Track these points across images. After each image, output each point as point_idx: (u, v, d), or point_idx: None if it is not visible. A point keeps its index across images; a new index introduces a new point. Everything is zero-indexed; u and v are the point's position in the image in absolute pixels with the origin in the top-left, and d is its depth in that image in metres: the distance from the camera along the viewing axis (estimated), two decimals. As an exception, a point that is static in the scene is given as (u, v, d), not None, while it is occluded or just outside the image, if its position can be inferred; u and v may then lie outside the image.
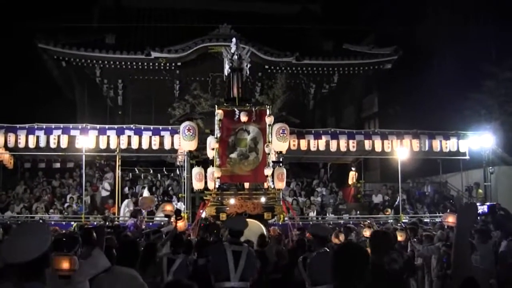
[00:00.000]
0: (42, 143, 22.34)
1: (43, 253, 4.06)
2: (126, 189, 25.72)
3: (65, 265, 5.85)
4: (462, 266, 4.17)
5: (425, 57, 30.98)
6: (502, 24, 28.98)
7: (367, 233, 17.71)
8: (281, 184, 19.40)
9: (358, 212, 25.33)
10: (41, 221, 17.26)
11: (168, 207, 16.98)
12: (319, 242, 9.99)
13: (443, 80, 28.57)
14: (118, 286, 5.58)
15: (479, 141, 24.61)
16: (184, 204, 22.53)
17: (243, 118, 18.83)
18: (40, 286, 4.06)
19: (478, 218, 12.42)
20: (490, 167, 25.37)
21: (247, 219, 17.44)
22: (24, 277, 4.01)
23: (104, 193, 25.27)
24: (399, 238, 14.37)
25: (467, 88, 29.33)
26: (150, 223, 21.07)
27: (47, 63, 31.94)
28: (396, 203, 26.03)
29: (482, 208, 16.44)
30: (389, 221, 22.00)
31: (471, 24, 31.00)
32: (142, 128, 22.67)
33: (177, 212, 14.25)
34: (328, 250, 9.74)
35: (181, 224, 14.03)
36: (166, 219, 15.42)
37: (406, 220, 22.20)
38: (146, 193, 24.81)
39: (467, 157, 24.94)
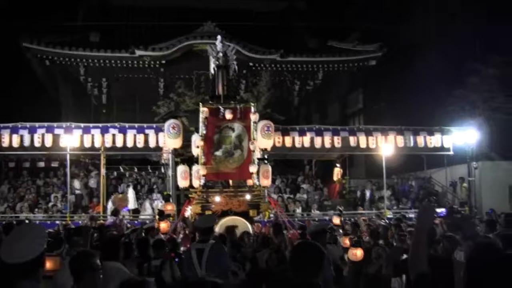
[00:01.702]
0: (26, 142, 22.17)
1: (41, 253, 4.25)
2: (111, 187, 25.58)
3: (49, 265, 5.84)
4: (417, 262, 4.48)
5: (410, 54, 30.98)
6: (486, 21, 29.04)
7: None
8: (266, 182, 19.36)
9: (343, 208, 25.33)
10: (26, 221, 17.14)
11: (169, 207, 16.99)
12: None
13: (428, 77, 28.61)
14: (105, 279, 5.52)
15: (463, 136, 24.72)
16: (161, 202, 22.45)
17: (228, 115, 18.77)
18: (35, 285, 4.20)
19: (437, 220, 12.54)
20: (474, 162, 25.48)
21: (233, 217, 17.61)
22: (21, 275, 4.15)
23: (77, 192, 24.99)
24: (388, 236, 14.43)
25: (451, 84, 29.36)
26: (135, 221, 21.03)
27: (31, 62, 31.73)
28: (367, 198, 26.29)
29: (441, 211, 16.54)
30: (372, 217, 21.98)
31: (456, 21, 31.01)
32: (127, 126, 22.59)
33: (160, 213, 14.19)
34: None
35: (164, 225, 13.98)
36: (149, 217, 15.39)
37: (391, 216, 22.28)
38: (131, 192, 24.73)
39: (451, 152, 25.08)
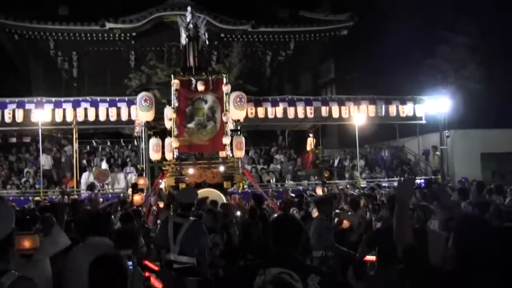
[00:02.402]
0: (-3, 118, 21.92)
1: (8, 234, 4.12)
2: (84, 161, 25.38)
3: (27, 243, 5.77)
4: (402, 235, 4.59)
5: (381, 23, 30.99)
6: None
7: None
8: (240, 153, 19.40)
9: (316, 177, 25.43)
10: (-1, 199, 16.96)
11: (141, 181, 16.93)
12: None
13: (399, 46, 28.60)
14: (94, 254, 5.49)
15: (435, 105, 24.79)
16: (135, 175, 22.36)
17: (200, 87, 18.72)
18: (3, 266, 4.05)
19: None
20: (446, 131, 25.63)
21: (207, 189, 17.61)
22: None
23: (46, 168, 24.68)
24: (361, 204, 14.48)
25: (423, 54, 29.48)
26: (109, 196, 20.92)
27: (-1, 36, 31.29)
28: (335, 165, 26.41)
29: (420, 182, 16.71)
30: (347, 186, 22.05)
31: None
32: (99, 100, 22.35)
33: (133, 186, 14.14)
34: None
35: (137, 198, 13.94)
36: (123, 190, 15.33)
37: (365, 185, 22.39)
38: (104, 165, 24.58)
39: (424, 121, 25.18)
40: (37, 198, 19.10)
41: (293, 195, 18.25)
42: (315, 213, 11.30)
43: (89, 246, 6.45)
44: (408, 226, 4.73)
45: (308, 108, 23.68)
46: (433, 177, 23.61)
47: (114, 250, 6.38)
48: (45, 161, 24.03)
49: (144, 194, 17.87)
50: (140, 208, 13.66)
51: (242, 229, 11.22)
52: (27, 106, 21.92)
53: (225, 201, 16.26)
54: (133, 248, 7.54)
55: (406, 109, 24.53)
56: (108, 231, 7.05)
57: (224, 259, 9.77)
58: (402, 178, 6.37)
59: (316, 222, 9.65)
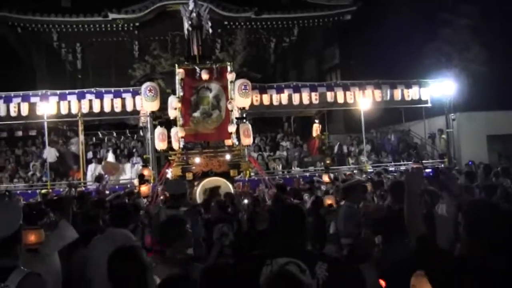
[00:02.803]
0: (2, 112, 21.85)
1: (15, 230, 4.14)
2: (90, 153, 25.43)
3: (32, 238, 5.77)
4: (414, 225, 4.71)
5: (384, 7, 30.90)
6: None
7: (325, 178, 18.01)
8: (248, 140, 19.35)
9: (322, 164, 25.40)
10: (6, 192, 16.97)
11: (146, 172, 16.93)
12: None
13: (403, 30, 28.52)
14: (113, 246, 5.52)
15: (440, 88, 24.70)
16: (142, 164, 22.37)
17: (204, 76, 18.65)
18: (11, 263, 4.06)
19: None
20: (452, 114, 25.58)
21: (214, 178, 17.61)
22: None
23: (50, 159, 24.64)
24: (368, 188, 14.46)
25: (426, 37, 29.37)
26: (116, 187, 20.94)
27: (2, 30, 31.23)
28: (335, 151, 26.36)
29: (428, 172, 16.70)
30: (354, 171, 22.04)
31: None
32: (103, 91, 22.32)
33: (140, 177, 14.14)
34: None
35: (144, 189, 13.95)
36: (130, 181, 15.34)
37: (371, 170, 22.37)
38: (111, 156, 24.62)
39: (429, 104, 25.10)
40: (43, 191, 19.12)
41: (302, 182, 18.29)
42: (327, 201, 11.25)
43: (109, 237, 6.67)
44: (419, 215, 4.82)
45: (313, 94, 23.62)
46: (441, 166, 23.52)
47: (133, 242, 6.46)
48: (48, 153, 24.01)
49: (151, 184, 17.92)
50: (143, 200, 13.64)
51: (267, 218, 11.16)
52: (32, 99, 21.90)
53: (232, 189, 16.27)
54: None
55: (411, 93, 24.44)
56: (128, 223, 7.17)
57: (234, 249, 9.73)
58: (410, 169, 6.38)
59: (344, 209, 9.56)
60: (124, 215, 7.22)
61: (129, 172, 23.85)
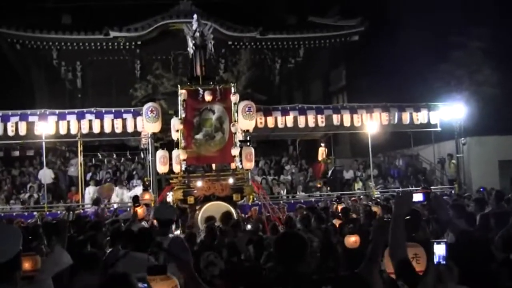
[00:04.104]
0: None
1: (15, 255, 4.14)
2: (89, 175, 25.38)
3: (28, 265, 5.72)
4: (397, 249, 4.78)
5: (392, 28, 30.92)
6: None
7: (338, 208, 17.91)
8: (249, 164, 19.33)
9: (329, 188, 25.34)
10: (1, 214, 16.96)
11: (146, 196, 16.89)
12: None
13: (412, 51, 28.54)
14: (133, 268, 5.50)
15: (450, 112, 24.72)
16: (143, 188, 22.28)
17: (208, 97, 18.68)
18: None
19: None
20: (462, 138, 25.53)
21: (216, 202, 17.56)
22: None
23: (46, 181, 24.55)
24: (375, 210, 14.43)
25: (436, 59, 29.37)
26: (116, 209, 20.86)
27: (1, 46, 31.31)
28: (329, 176, 26.28)
29: (418, 197, 16.71)
30: (361, 197, 21.98)
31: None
32: (104, 111, 22.30)
33: (135, 199, 14.09)
34: None
35: (140, 211, 13.88)
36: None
37: (378, 195, 22.32)
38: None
39: (439, 128, 25.08)
40: (38, 214, 19.07)
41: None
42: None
43: (129, 259, 6.92)
44: (403, 240, 4.84)
45: (319, 116, 23.61)
46: (429, 189, 23.41)
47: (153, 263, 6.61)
48: (43, 175, 23.88)
49: (150, 206, 17.86)
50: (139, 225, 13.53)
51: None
52: (30, 118, 21.87)
53: (234, 214, 16.20)
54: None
55: (420, 116, 24.44)
56: (148, 247, 7.27)
57: (224, 279, 9.56)
58: (399, 192, 6.41)
59: None
60: (145, 239, 7.29)
61: (127, 198, 23.59)
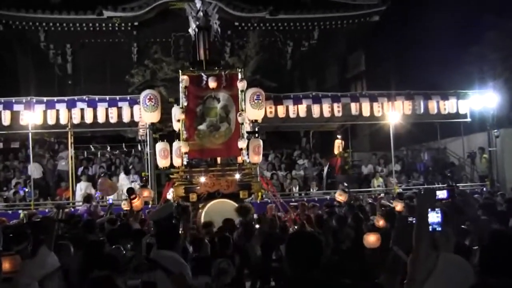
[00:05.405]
0: (-19, 122, 21.99)
1: None
2: (80, 169, 25.42)
3: (6, 266, 5.75)
4: (421, 247, 4.92)
5: (417, 7, 30.92)
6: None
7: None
8: (257, 158, 19.30)
9: (346, 185, 25.35)
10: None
11: (145, 193, 16.94)
12: None
13: (438, 33, 28.54)
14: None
15: (482, 100, 24.58)
16: (140, 181, 22.34)
17: (212, 84, 18.66)
18: None
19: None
20: (495, 130, 25.39)
21: (221, 199, 17.59)
22: None
23: (36, 175, 24.72)
24: (398, 208, 14.45)
25: (466, 41, 29.27)
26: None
27: (-18, 27, 31.44)
28: (324, 174, 26.25)
29: (442, 193, 16.70)
30: (381, 194, 21.99)
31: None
32: (97, 99, 22.32)
33: (130, 191, 14.14)
34: None
35: (137, 203, 13.94)
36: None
37: (401, 192, 22.30)
38: (123, 177, 24.47)
39: (468, 119, 25.01)
40: (25, 212, 19.11)
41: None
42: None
43: (158, 259, 6.88)
44: (427, 239, 4.98)
45: (335, 105, 23.56)
46: (456, 185, 23.38)
47: (181, 265, 6.81)
48: (34, 170, 24.00)
49: (150, 206, 17.93)
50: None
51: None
52: (15, 107, 21.85)
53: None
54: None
55: (448, 105, 24.35)
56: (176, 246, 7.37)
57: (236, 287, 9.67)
58: (420, 190, 6.44)
59: None
60: (171, 235, 7.38)
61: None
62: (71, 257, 8.33)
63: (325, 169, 26.82)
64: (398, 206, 14.86)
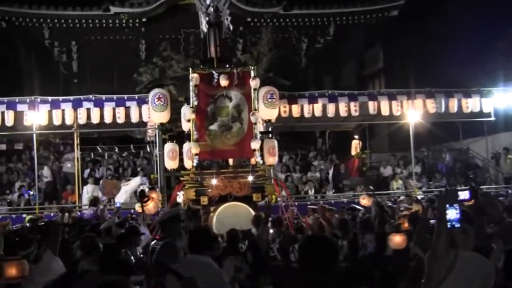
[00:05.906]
0: (-17, 122, 22.03)
1: None
2: (87, 172, 25.44)
3: (13, 271, 5.73)
4: (439, 244, 5.00)
5: (439, 1, 30.83)
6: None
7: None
8: (272, 159, 19.27)
9: (363, 187, 25.29)
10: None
11: (153, 195, 16.94)
12: None
13: (461, 28, 28.41)
14: (193, 274, 5.62)
15: (506, 99, 24.48)
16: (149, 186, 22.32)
17: (223, 82, 18.66)
18: None
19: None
20: (521, 129, 25.36)
21: (233, 203, 17.56)
22: None
23: (46, 179, 24.84)
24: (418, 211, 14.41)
25: (491, 37, 29.18)
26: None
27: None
28: (330, 176, 26.16)
29: (464, 194, 16.66)
30: (401, 197, 21.93)
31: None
32: (104, 98, 22.34)
33: (141, 194, 14.13)
34: None
35: (150, 206, 13.94)
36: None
37: (421, 196, 22.23)
38: (137, 179, 24.43)
39: (492, 118, 24.88)
40: (29, 216, 19.14)
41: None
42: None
43: (188, 264, 6.84)
44: (447, 239, 5.05)
45: (352, 104, 23.53)
46: (477, 187, 23.26)
47: (214, 268, 6.88)
48: (47, 173, 24.12)
49: (160, 209, 17.92)
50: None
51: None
52: (19, 107, 21.88)
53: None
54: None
55: (471, 104, 24.25)
56: (209, 249, 7.37)
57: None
58: (442, 190, 6.41)
59: None
60: (203, 240, 7.37)
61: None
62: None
63: (330, 171, 26.76)
64: (418, 209, 14.81)
